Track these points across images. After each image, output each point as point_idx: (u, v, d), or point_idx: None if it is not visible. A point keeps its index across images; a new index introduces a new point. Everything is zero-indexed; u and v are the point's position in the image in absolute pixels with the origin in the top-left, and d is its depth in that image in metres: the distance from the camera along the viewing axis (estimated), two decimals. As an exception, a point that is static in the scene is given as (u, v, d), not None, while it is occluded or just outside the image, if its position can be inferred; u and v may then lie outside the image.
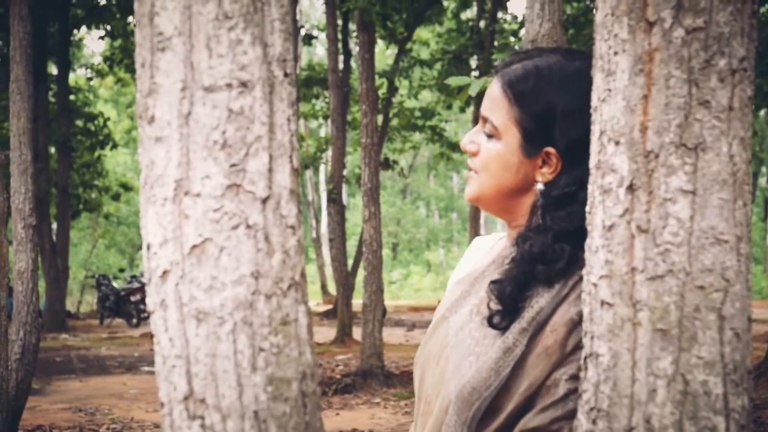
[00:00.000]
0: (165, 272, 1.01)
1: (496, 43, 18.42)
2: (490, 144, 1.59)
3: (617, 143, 1.11)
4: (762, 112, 25.90)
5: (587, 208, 1.18)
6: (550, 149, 1.53)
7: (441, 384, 1.55)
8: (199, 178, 0.99)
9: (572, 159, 1.50)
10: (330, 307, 23.86)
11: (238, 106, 0.99)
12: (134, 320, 21.10)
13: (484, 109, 1.60)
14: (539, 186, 1.55)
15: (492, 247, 1.75)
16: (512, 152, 1.56)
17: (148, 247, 1.02)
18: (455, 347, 1.55)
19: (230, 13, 0.99)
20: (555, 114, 1.52)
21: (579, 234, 1.29)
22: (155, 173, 1.01)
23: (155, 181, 1.01)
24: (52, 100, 20.75)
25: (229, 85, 0.99)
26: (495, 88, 1.59)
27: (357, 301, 18.17)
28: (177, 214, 1.00)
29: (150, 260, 1.02)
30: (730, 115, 1.07)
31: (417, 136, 23.60)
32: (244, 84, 0.99)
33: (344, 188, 20.36)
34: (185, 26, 0.99)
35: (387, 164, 18.39)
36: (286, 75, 1.02)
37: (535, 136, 1.54)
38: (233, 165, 0.99)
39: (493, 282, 1.53)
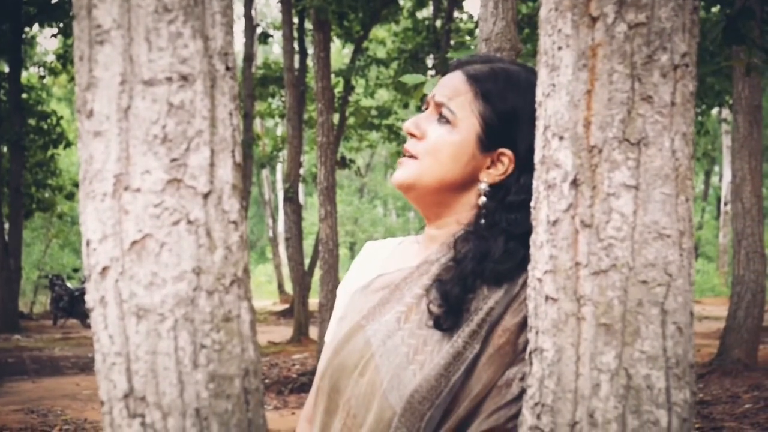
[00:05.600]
0: (104, 269, 0.99)
1: (452, 42, 18.44)
2: (442, 129, 1.56)
3: (561, 138, 1.11)
4: (714, 111, 26.19)
5: (532, 204, 1.18)
6: (506, 150, 1.53)
7: (373, 395, 1.47)
8: (139, 173, 0.98)
9: (529, 164, 1.50)
10: (287, 306, 23.74)
11: (178, 100, 0.98)
12: (88, 320, 20.83)
13: (441, 96, 1.58)
14: (483, 186, 1.54)
15: (396, 252, 1.72)
16: (467, 143, 1.54)
17: (88, 243, 1.01)
18: (386, 357, 1.48)
19: (170, 6, 0.97)
20: (519, 117, 1.53)
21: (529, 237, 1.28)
22: (94, 168, 0.99)
23: (94, 176, 1.00)
24: (4, 98, 20.43)
25: (169, 79, 0.97)
26: (457, 80, 1.58)
27: (314, 300, 18.12)
28: (116, 209, 0.98)
29: (89, 257, 1.01)
30: (672, 111, 1.08)
31: (374, 135, 23.59)
32: (184, 78, 0.98)
33: (301, 187, 20.32)
34: (124, 19, 0.97)
35: (344, 163, 18.34)
36: (227, 69, 1.01)
37: (496, 133, 1.54)
38: (174, 160, 0.97)
39: (439, 281, 1.50)
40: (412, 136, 1.59)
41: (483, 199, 1.54)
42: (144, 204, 0.97)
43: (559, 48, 1.12)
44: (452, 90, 1.57)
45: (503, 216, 1.51)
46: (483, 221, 1.53)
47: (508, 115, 1.54)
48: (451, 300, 1.46)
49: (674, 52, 1.07)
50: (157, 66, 0.97)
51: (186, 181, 0.98)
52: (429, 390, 1.42)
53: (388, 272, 1.65)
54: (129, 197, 0.98)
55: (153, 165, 0.97)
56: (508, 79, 1.56)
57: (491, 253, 1.48)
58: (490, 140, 1.54)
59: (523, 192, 1.49)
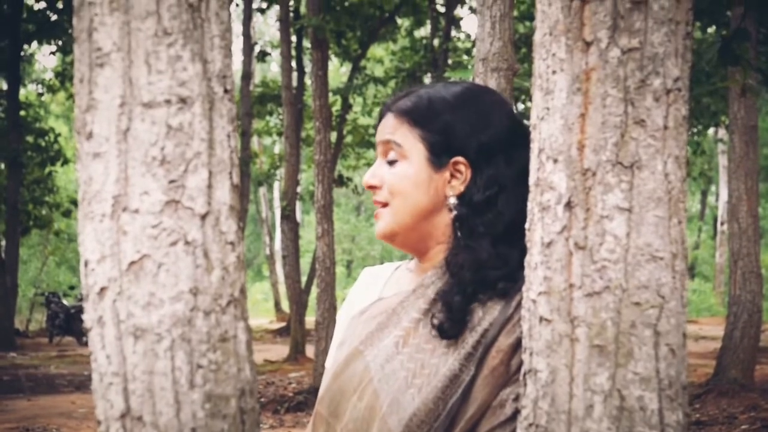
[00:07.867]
0: (102, 289, 1.00)
1: (449, 62, 18.51)
2: (396, 169, 1.60)
3: (555, 161, 1.12)
4: (710, 131, 26.25)
5: (527, 225, 1.19)
6: (459, 158, 1.57)
7: (372, 419, 1.48)
8: (138, 194, 0.98)
9: (482, 162, 1.55)
10: (283, 324, 23.70)
11: (177, 122, 0.99)
12: (84, 338, 20.75)
13: (384, 135, 1.63)
14: (451, 200, 1.57)
15: (393, 278, 1.73)
16: (421, 168, 1.58)
17: (86, 264, 1.02)
18: (385, 381, 1.49)
19: (170, 30, 0.99)
20: (454, 126, 1.57)
21: (515, 236, 1.31)
22: (93, 189, 1.00)
23: (93, 197, 1.00)
24: (2, 115, 20.49)
25: (168, 101, 0.99)
26: (389, 120, 1.63)
27: (310, 319, 18.10)
28: (115, 230, 0.99)
29: (88, 277, 1.02)
30: (665, 134, 1.09)
31: (371, 153, 23.62)
32: (183, 100, 0.99)
33: (298, 205, 20.31)
34: (124, 42, 0.99)
35: (341, 181, 18.38)
36: (226, 91, 1.03)
37: (441, 146, 1.57)
38: (172, 181, 0.98)
39: (443, 292, 1.51)
40: (373, 188, 1.63)
41: (454, 212, 1.56)
42: (142, 225, 0.98)
43: (554, 72, 1.13)
44: (390, 128, 1.62)
45: (477, 220, 1.53)
46: (459, 232, 1.55)
47: (444, 128, 1.58)
48: (454, 309, 1.48)
49: (667, 77, 1.09)
50: (157, 88, 0.99)
51: (184, 203, 0.99)
52: (427, 413, 1.43)
53: (385, 297, 1.66)
54: (127, 218, 0.99)
55: (151, 186, 0.98)
56: (430, 99, 1.61)
57: (483, 260, 1.50)
58: (438, 156, 1.57)
59: (486, 188, 1.54)
